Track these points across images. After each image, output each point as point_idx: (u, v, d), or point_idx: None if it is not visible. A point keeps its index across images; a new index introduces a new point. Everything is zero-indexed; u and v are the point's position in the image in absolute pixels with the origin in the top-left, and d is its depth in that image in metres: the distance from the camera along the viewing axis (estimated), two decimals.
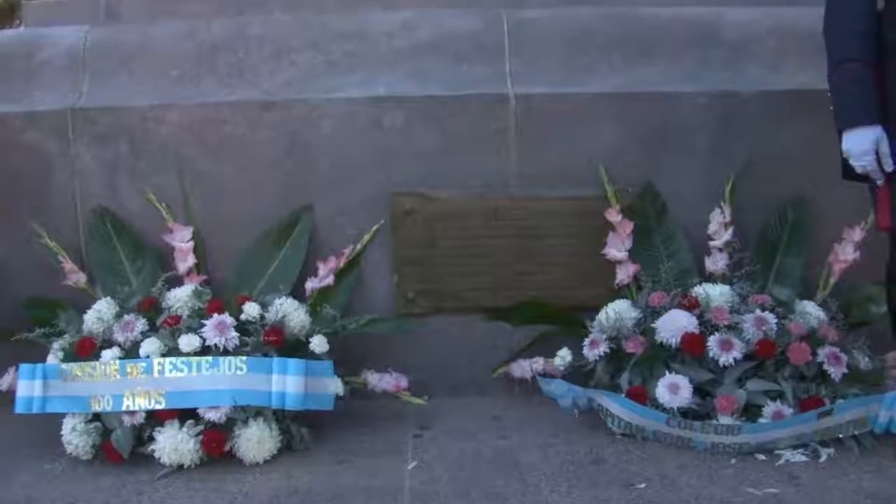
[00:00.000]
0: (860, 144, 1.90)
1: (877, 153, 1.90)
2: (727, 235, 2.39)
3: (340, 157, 2.43)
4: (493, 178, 2.44)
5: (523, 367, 2.41)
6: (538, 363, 2.38)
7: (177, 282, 2.34)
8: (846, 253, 2.38)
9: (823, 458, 1.98)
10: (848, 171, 2.05)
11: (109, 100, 2.50)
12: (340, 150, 2.43)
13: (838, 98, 1.94)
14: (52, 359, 2.15)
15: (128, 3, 2.79)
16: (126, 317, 2.18)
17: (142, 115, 2.46)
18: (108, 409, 2.04)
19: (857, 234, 2.37)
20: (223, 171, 2.46)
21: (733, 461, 1.97)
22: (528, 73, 2.47)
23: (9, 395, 2.20)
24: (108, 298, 2.28)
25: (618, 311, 2.24)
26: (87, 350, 2.12)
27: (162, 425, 2.02)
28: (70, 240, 2.47)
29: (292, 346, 2.17)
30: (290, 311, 2.19)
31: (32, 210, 2.46)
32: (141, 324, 2.16)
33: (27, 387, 2.09)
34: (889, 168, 1.91)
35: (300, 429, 2.13)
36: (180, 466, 2.00)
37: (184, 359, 2.05)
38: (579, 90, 2.43)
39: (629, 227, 2.40)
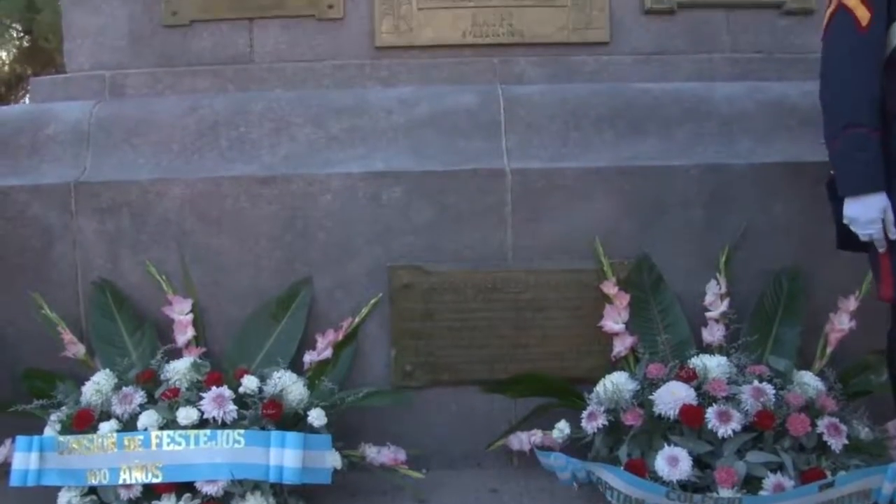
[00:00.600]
0: (867, 213, 1.93)
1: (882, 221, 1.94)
2: (723, 306, 2.48)
3: (339, 230, 2.56)
4: (491, 251, 2.56)
5: (521, 440, 2.46)
6: (536, 436, 2.43)
7: (176, 354, 2.43)
8: (842, 322, 2.46)
9: None
10: (843, 240, 2.12)
11: (112, 174, 2.64)
12: (339, 223, 2.55)
13: (843, 164, 1.96)
14: (50, 431, 2.22)
15: (133, 78, 2.95)
16: (125, 389, 2.25)
17: (143, 189, 2.59)
18: (105, 482, 2.10)
19: (852, 303, 2.45)
20: (223, 244, 2.58)
21: None
22: (523, 147, 2.62)
23: (4, 468, 2.26)
24: (107, 370, 2.37)
25: (616, 384, 2.31)
26: (84, 422, 2.19)
27: (159, 499, 2.07)
28: (70, 311, 2.57)
29: (290, 420, 2.23)
30: (289, 385, 2.27)
31: (34, 281, 2.57)
32: (139, 396, 2.23)
33: (23, 459, 2.15)
34: (894, 236, 1.95)
35: (298, 502, 2.19)
36: None
37: (181, 432, 2.11)
38: (574, 165, 2.57)
39: (626, 299, 2.50)
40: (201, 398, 2.18)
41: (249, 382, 2.26)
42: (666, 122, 2.69)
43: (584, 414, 2.32)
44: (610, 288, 2.50)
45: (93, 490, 2.13)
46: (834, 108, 1.98)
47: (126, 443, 2.11)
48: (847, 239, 2.08)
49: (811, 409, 2.19)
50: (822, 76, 2.05)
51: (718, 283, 2.50)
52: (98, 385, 2.28)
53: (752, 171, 2.58)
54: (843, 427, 2.16)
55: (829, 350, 2.47)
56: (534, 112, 2.67)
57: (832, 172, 2.08)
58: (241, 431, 2.11)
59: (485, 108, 2.68)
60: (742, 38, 2.96)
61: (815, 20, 2.90)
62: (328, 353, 2.46)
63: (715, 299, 2.50)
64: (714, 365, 2.31)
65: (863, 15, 1.93)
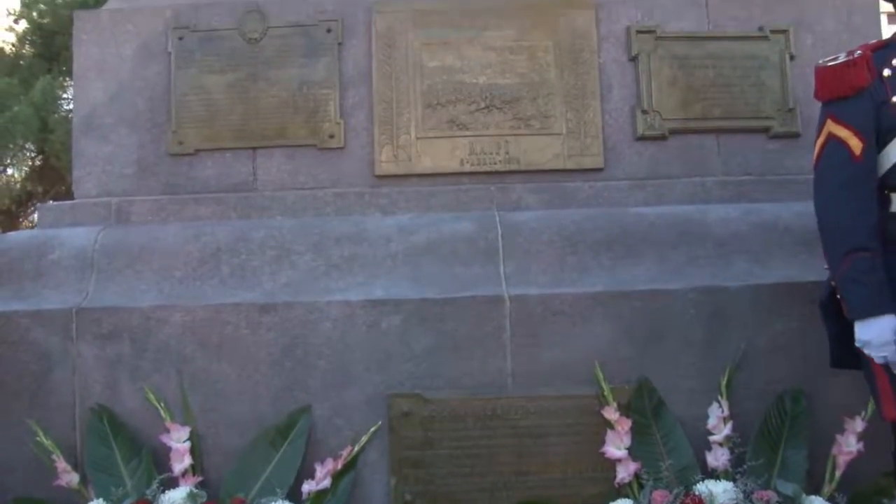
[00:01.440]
0: (881, 335, 1.97)
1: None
2: (727, 430, 2.56)
3: (339, 358, 2.67)
4: (490, 377, 2.66)
5: None
6: None
7: (173, 482, 2.50)
8: (849, 444, 2.52)
9: None
10: (837, 359, 2.21)
11: (114, 300, 2.78)
12: (339, 351, 2.67)
13: (852, 288, 2.01)
14: None
15: (138, 206, 3.13)
16: None
17: (145, 316, 2.73)
18: None
19: (859, 424, 2.52)
20: (223, 370, 2.69)
21: None
22: (521, 273, 2.77)
23: None
24: (101, 500, 2.44)
25: None
26: None
27: None
28: (66, 437, 2.65)
29: None
30: None
31: (30, 406, 2.66)
32: None
33: None
34: None
35: None
36: None
37: None
38: (572, 290, 2.71)
39: (627, 424, 2.58)
40: None
41: None
42: (661, 245, 2.84)
43: None
44: (611, 413, 2.59)
45: None
46: (836, 234, 2.06)
47: None
48: (841, 357, 2.18)
49: None
50: (821, 205, 2.15)
51: (721, 406, 2.58)
52: None
53: (749, 292, 2.70)
54: None
55: (837, 473, 2.52)
56: (531, 238, 2.84)
57: (826, 293, 2.19)
58: None
59: (483, 234, 2.85)
60: (733, 161, 3.17)
61: (801, 143, 3.13)
62: (327, 482, 2.53)
63: (718, 422, 2.57)
64: (720, 491, 2.38)
65: (856, 145, 2.08)
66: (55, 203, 3.54)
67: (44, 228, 3.18)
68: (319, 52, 3.14)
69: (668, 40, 3.18)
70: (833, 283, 2.12)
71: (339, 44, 3.16)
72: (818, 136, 2.20)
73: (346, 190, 3.09)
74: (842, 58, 2.17)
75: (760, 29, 3.22)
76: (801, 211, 2.89)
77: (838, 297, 2.11)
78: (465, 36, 3.13)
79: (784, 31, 3.21)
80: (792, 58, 3.19)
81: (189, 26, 3.21)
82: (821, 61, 2.24)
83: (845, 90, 2.13)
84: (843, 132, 2.10)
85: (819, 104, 2.26)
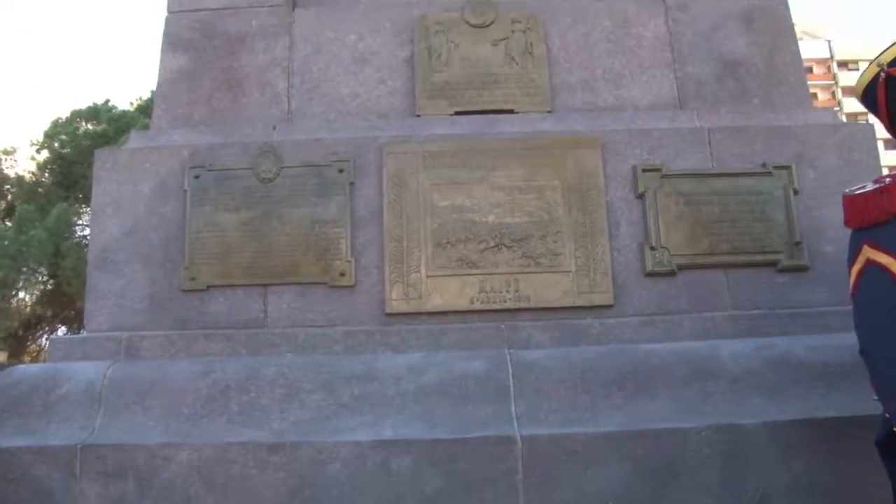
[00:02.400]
0: None
1: None
2: None
3: (348, 500, 2.69)
4: None
5: None
6: None
7: None
8: None
9: None
10: None
11: (120, 437, 2.83)
12: (348, 493, 2.70)
13: None
14: None
15: (149, 341, 3.24)
16: None
17: (150, 453, 2.78)
18: None
19: None
20: None
21: None
22: (533, 413, 2.83)
23: None
24: None
25: None
26: None
27: None
28: None
29: None
30: None
31: None
32: None
33: None
34: None
35: None
36: None
37: None
38: (584, 430, 2.76)
39: None
40: None
41: None
42: (674, 382, 2.91)
43: None
44: None
45: None
46: (887, 363, 2.04)
47: None
48: None
49: None
50: (866, 334, 2.15)
51: None
52: None
53: (766, 430, 2.74)
54: None
55: None
56: (542, 377, 2.92)
57: (883, 429, 2.14)
58: None
59: (493, 373, 2.94)
60: (742, 295, 3.28)
61: (810, 276, 3.26)
62: None
63: None
64: None
65: None
66: (66, 336, 3.67)
67: (54, 362, 3.27)
68: (331, 192, 3.33)
69: (674, 178, 3.36)
70: (888, 415, 2.09)
71: (351, 183, 3.35)
72: (852, 265, 2.25)
73: (356, 328, 3.20)
74: (870, 186, 2.25)
75: (763, 165, 3.39)
76: (814, 345, 2.98)
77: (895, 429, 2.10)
78: (474, 176, 3.32)
79: (787, 167, 3.39)
80: (796, 192, 3.36)
81: (205, 165, 3.41)
82: (847, 190, 2.33)
83: (881, 216, 2.20)
84: (883, 258, 2.14)
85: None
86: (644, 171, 3.36)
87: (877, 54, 2.39)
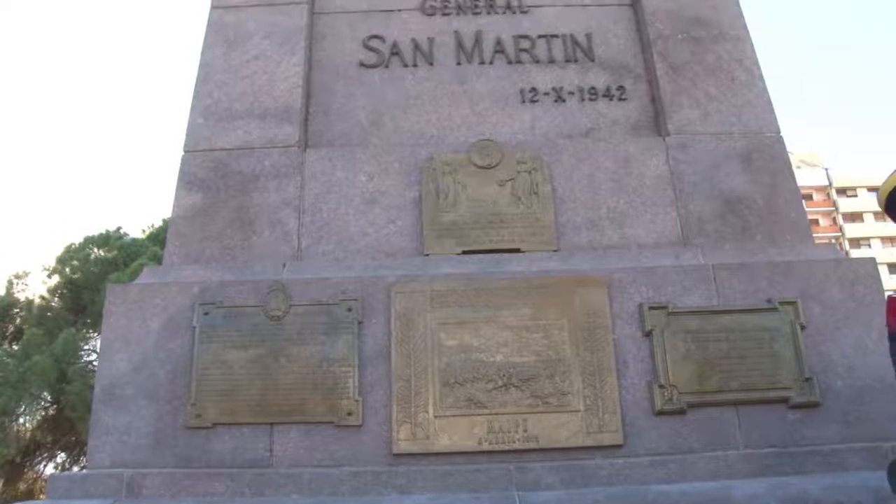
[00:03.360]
0: None
1: None
2: None
3: None
4: None
5: None
6: None
7: None
8: None
9: None
10: None
11: None
12: None
13: None
14: None
15: (151, 479, 3.22)
16: None
17: None
18: None
19: None
20: None
21: None
22: None
23: None
24: None
25: None
26: None
27: None
28: None
29: None
30: None
31: None
32: None
33: None
34: None
35: None
36: None
37: None
38: None
39: None
40: None
41: None
42: None
43: None
44: None
45: None
46: None
47: None
48: None
49: None
50: None
51: None
52: None
53: None
54: None
55: None
56: None
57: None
58: None
59: None
60: (754, 433, 3.30)
61: (822, 412, 3.29)
62: None
63: None
64: None
65: None
66: (67, 474, 3.68)
67: (54, 499, 3.27)
68: (340, 330, 3.42)
69: (680, 315, 3.44)
70: None
71: (359, 322, 3.44)
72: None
73: (363, 468, 3.21)
74: None
75: (769, 301, 3.48)
76: (829, 484, 2.99)
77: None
78: (481, 315, 3.41)
79: (792, 303, 3.47)
80: (803, 327, 3.43)
81: (215, 302, 3.51)
82: (890, 293, 2.42)
83: None
84: None
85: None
86: (650, 308, 3.44)
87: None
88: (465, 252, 3.70)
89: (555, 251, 3.73)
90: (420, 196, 3.87)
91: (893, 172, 2.58)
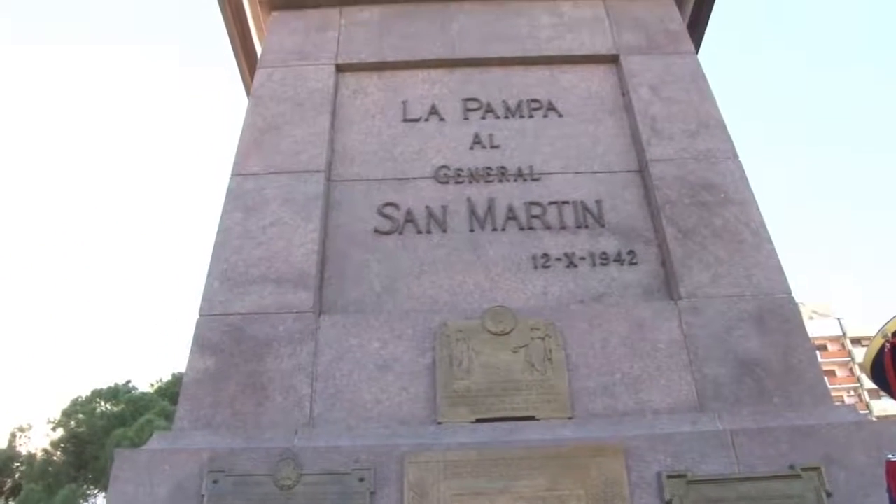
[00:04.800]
0: None
1: None
2: None
3: None
4: None
5: None
6: None
7: None
8: None
9: None
10: None
11: None
12: None
13: None
14: None
15: None
16: None
17: None
18: None
19: None
20: None
21: None
22: None
23: None
24: None
25: None
26: None
27: None
28: None
29: None
30: None
31: None
32: None
33: None
34: None
35: None
36: None
37: None
38: None
39: None
40: None
41: None
42: None
43: None
44: None
45: None
46: None
47: None
48: None
49: None
50: None
51: None
52: None
53: None
54: None
55: None
56: None
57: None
58: None
59: None
60: None
61: None
62: None
63: None
64: None
65: None
66: None
67: None
68: (352, 501, 3.40)
69: (700, 484, 3.41)
70: None
71: (372, 493, 3.43)
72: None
73: None
74: None
75: (791, 467, 3.46)
76: None
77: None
78: (496, 486, 3.40)
79: (816, 468, 3.44)
80: (829, 494, 3.38)
81: (224, 469, 3.52)
82: (891, 455, 2.41)
83: None
84: None
85: None
86: (669, 477, 3.43)
87: (881, 325, 2.58)
88: (479, 420, 3.74)
89: (569, 418, 3.76)
90: (433, 362, 3.95)
91: (875, 336, 2.63)
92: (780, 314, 4.12)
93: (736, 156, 4.77)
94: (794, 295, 4.23)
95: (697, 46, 6.14)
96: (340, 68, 5.34)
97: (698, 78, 5.21)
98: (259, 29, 6.15)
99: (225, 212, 4.57)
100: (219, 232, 4.49)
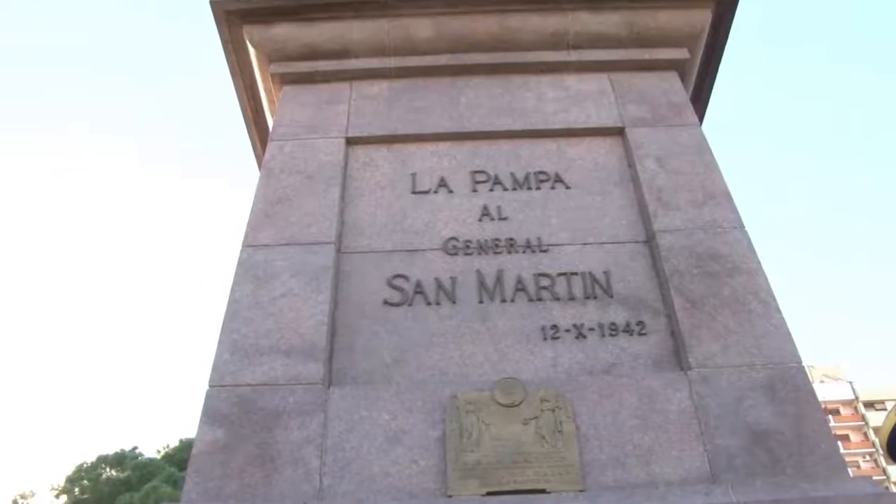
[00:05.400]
0: None
1: None
2: None
3: None
4: None
5: None
6: None
7: None
8: None
9: None
10: None
11: None
12: None
13: None
14: None
15: None
16: None
17: None
18: None
19: None
20: None
21: None
22: None
23: None
24: None
25: None
26: None
27: None
28: None
29: None
30: None
31: None
32: None
33: None
34: None
35: None
36: None
37: None
38: None
39: None
40: None
41: None
42: None
43: None
44: None
45: None
46: None
47: None
48: None
49: None
50: None
51: None
52: None
53: None
54: None
55: None
56: None
57: None
58: None
59: None
60: None
61: None
62: None
63: None
64: None
65: None
66: None
67: None
68: None
69: None
70: None
71: None
72: None
73: None
74: None
75: None
76: None
77: None
78: None
79: None
80: None
81: None
82: None
83: None
84: None
85: None
86: None
87: None
88: (489, 493, 3.72)
89: (581, 491, 3.75)
90: (443, 435, 3.95)
91: (890, 413, 2.67)
92: (792, 384, 4.14)
93: (742, 226, 4.84)
94: (804, 362, 4.27)
95: (701, 118, 6.29)
96: (350, 141, 5.46)
97: (703, 149, 5.31)
98: (271, 102, 6.32)
99: (236, 283, 4.64)
100: (229, 303, 4.55)
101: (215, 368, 4.29)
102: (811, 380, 4.31)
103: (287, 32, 5.97)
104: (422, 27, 5.92)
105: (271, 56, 6.03)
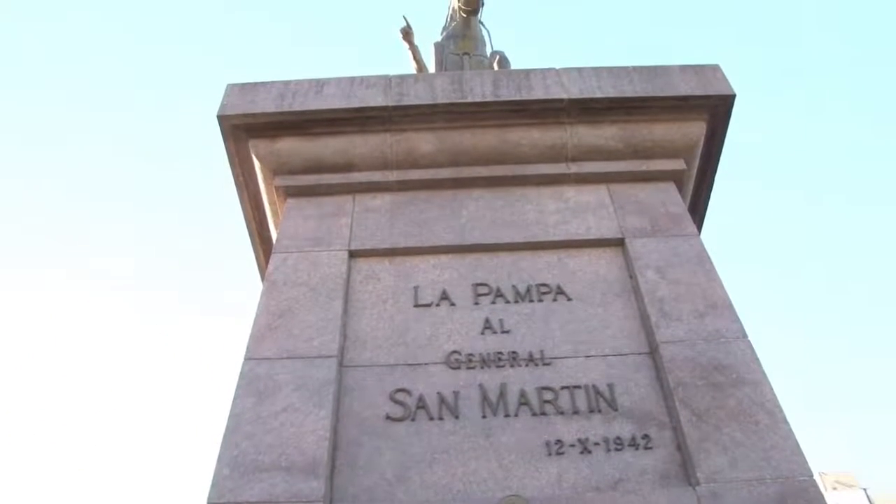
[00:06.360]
0: None
1: None
2: None
3: None
4: None
5: None
6: None
7: None
8: None
9: None
10: None
11: None
12: None
13: None
14: None
15: None
16: None
17: None
18: None
19: None
20: None
21: None
22: None
23: None
24: None
25: None
26: None
27: None
28: None
29: None
30: None
31: None
32: None
33: None
34: None
35: None
36: None
37: None
38: None
39: None
40: None
41: None
42: None
43: None
44: None
45: None
46: None
47: None
48: None
49: None
50: None
51: None
52: None
53: None
54: None
55: None
56: None
57: None
58: None
59: None
60: None
61: None
62: None
63: None
64: None
65: None
66: None
67: None
68: None
69: None
70: None
71: None
72: None
73: None
74: None
75: None
76: None
77: None
78: None
79: None
80: None
81: None
82: None
83: None
84: None
85: None
86: None
87: None
88: None
89: None
90: None
91: None
92: (804, 498, 4.08)
93: (745, 335, 4.87)
94: (815, 470, 4.23)
95: (699, 227, 6.41)
96: (353, 254, 5.54)
97: (703, 259, 5.39)
98: (274, 214, 6.44)
99: (237, 396, 4.64)
100: (230, 416, 4.54)
101: (214, 485, 4.24)
102: (824, 489, 4.26)
103: (291, 147, 6.15)
104: (424, 141, 6.09)
105: (276, 169, 6.18)
